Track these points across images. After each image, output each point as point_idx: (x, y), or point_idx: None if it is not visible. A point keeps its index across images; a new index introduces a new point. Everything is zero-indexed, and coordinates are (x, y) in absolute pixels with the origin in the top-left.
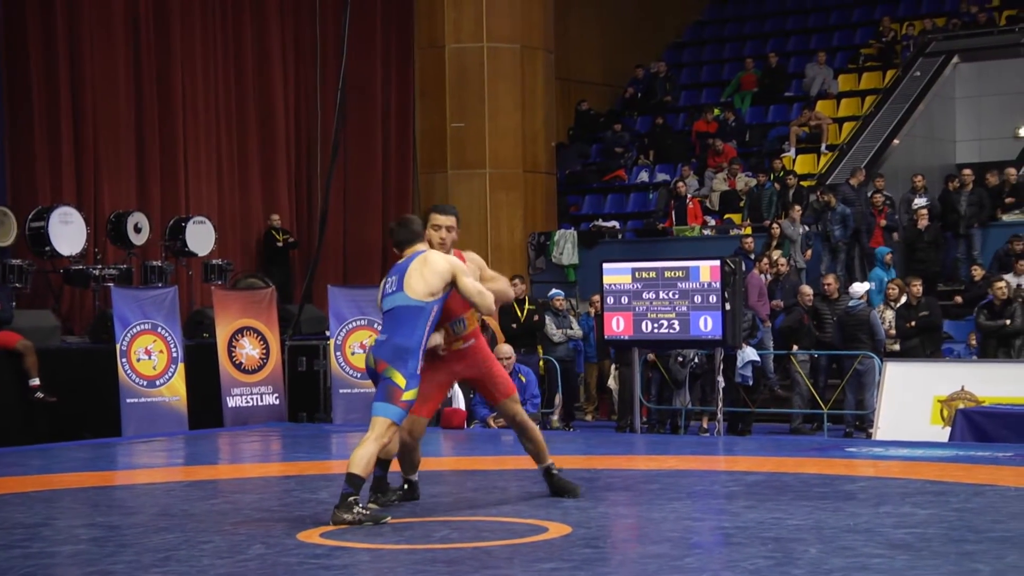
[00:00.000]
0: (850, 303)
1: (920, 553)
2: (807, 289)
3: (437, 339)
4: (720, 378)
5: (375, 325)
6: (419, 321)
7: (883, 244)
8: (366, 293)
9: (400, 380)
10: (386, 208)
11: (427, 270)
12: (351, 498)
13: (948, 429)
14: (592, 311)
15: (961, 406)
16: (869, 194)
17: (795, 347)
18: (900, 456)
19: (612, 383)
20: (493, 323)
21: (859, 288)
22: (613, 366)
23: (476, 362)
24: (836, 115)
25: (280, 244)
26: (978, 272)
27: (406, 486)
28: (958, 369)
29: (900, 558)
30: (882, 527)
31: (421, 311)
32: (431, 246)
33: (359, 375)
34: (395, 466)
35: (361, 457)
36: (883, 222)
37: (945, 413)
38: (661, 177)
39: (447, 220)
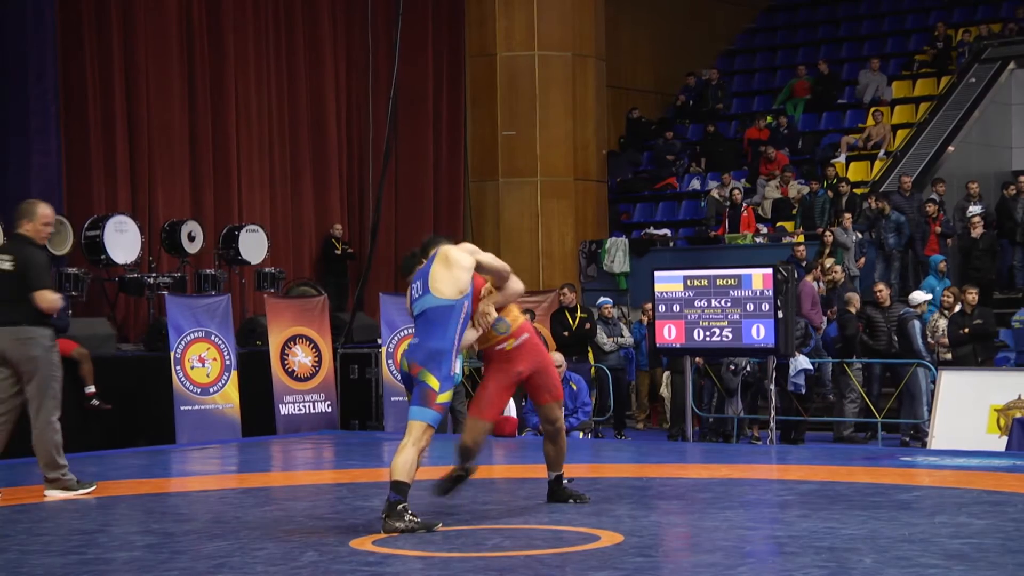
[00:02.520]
0: (902, 311)
1: (977, 564)
2: (855, 297)
3: (471, 336)
4: (772, 386)
5: None
6: (450, 321)
7: (938, 252)
8: None
9: (434, 383)
10: (437, 216)
11: (452, 265)
12: (400, 506)
13: (1005, 438)
14: (644, 319)
15: (1018, 415)
16: (924, 201)
17: (853, 356)
18: (956, 465)
19: (664, 391)
20: (544, 330)
21: (918, 297)
22: (665, 373)
23: (534, 358)
24: (890, 122)
25: (338, 253)
26: None
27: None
28: (1014, 378)
29: (956, 568)
30: (938, 537)
31: (451, 310)
32: None
33: None
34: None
35: (404, 463)
36: (938, 229)
37: (1002, 422)
38: (712, 185)
39: None
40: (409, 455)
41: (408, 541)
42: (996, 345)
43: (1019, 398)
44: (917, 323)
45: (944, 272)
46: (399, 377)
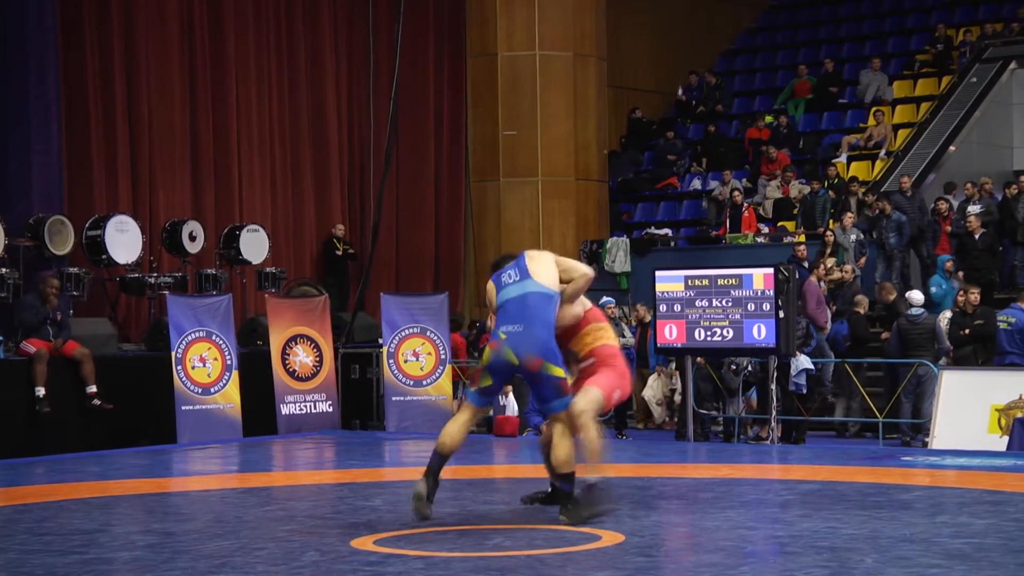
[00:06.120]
0: (912, 311)
1: (979, 563)
2: (864, 300)
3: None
4: (774, 386)
5: (427, 333)
6: (551, 310)
7: (948, 251)
8: (419, 301)
9: (560, 372)
10: (438, 216)
11: (542, 261)
12: (576, 494)
13: (1006, 438)
14: (634, 321)
15: (1019, 415)
16: (934, 200)
17: (863, 356)
18: (957, 465)
19: (648, 391)
20: None
21: (919, 296)
22: (651, 376)
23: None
24: (891, 122)
25: (339, 253)
26: None
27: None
28: (1015, 377)
29: (958, 568)
30: (939, 537)
31: (551, 300)
32: None
33: (412, 383)
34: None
35: (569, 456)
36: (949, 228)
37: (1003, 422)
38: (714, 185)
39: None
40: (569, 446)
41: (410, 541)
42: (996, 345)
43: (1020, 398)
44: (940, 322)
45: (951, 271)
46: (493, 366)
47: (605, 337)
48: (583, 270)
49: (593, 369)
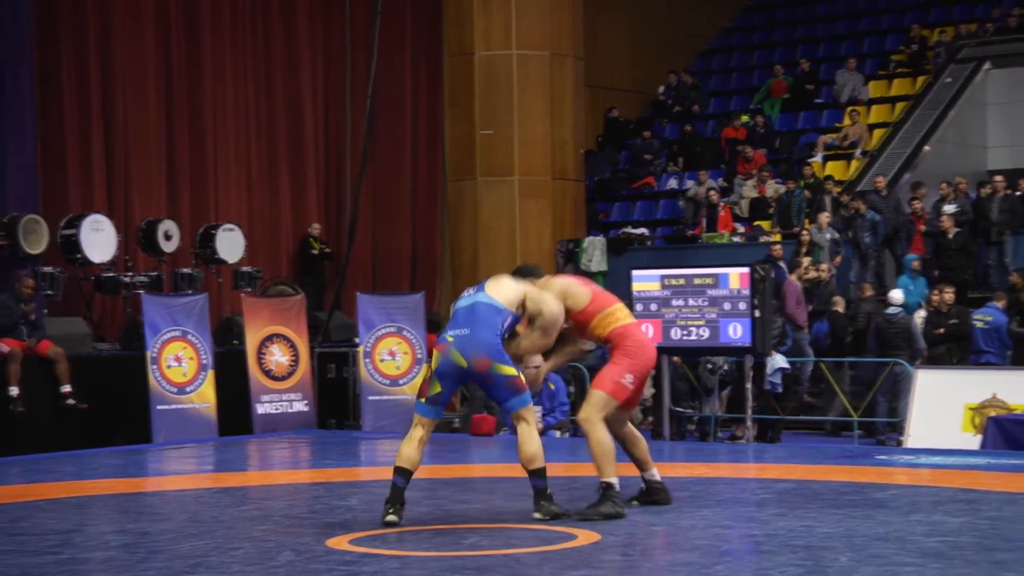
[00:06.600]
0: (889, 311)
1: (952, 562)
2: (840, 300)
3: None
4: (749, 385)
5: (403, 332)
6: (499, 320)
7: (923, 251)
8: (395, 300)
9: (511, 371)
10: (415, 215)
11: (503, 284)
12: (549, 491)
13: (980, 437)
14: None
15: (993, 414)
16: (908, 200)
17: (843, 355)
18: (931, 464)
19: None
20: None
21: (898, 295)
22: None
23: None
24: (867, 121)
25: (316, 252)
26: (1018, 280)
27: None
28: (989, 376)
29: (932, 566)
30: (913, 535)
31: (499, 312)
32: None
33: (388, 382)
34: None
35: (537, 451)
36: (923, 228)
37: (977, 421)
38: (690, 184)
39: None
40: (537, 441)
41: (386, 540)
42: (970, 345)
43: (994, 397)
44: (916, 322)
45: (918, 271)
46: (441, 370)
47: (613, 322)
48: (545, 312)
49: (610, 356)
